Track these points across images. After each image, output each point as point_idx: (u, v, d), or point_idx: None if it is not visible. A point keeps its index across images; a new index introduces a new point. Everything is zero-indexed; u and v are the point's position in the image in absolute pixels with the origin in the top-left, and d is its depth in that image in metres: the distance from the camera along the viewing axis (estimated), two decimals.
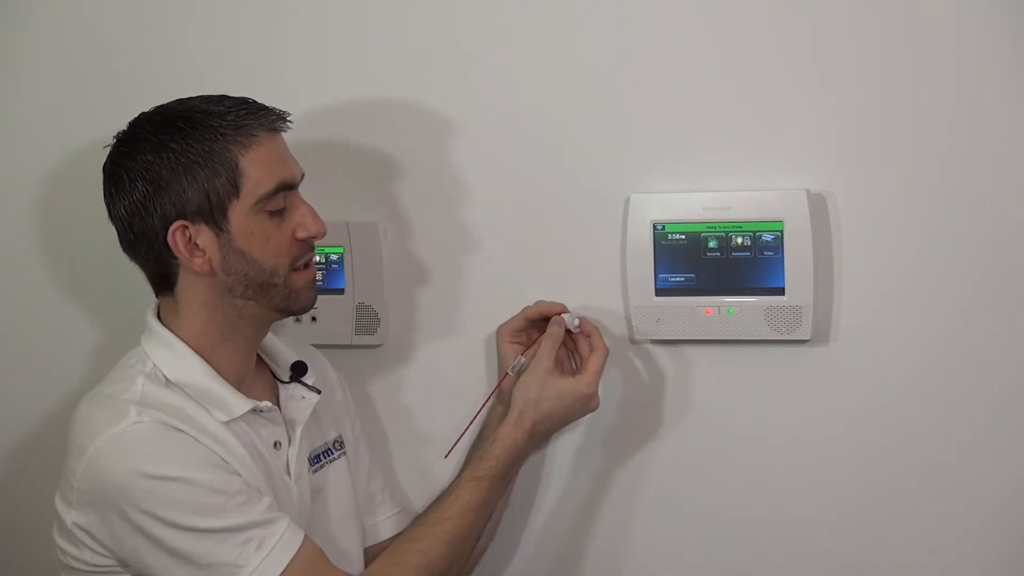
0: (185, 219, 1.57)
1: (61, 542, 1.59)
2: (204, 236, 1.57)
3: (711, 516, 1.83)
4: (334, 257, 1.91)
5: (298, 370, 1.73)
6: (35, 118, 2.07)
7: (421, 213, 1.91)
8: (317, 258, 1.88)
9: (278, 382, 1.73)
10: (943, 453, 1.73)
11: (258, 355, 1.72)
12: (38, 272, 2.08)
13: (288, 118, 1.62)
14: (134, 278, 1.66)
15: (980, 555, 1.73)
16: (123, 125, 1.62)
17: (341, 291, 1.92)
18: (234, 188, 1.56)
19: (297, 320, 1.91)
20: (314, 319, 1.91)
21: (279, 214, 1.60)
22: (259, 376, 1.71)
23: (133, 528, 1.51)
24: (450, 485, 1.71)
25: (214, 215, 1.57)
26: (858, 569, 1.78)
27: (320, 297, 1.89)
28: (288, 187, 1.60)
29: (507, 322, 1.80)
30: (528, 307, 1.80)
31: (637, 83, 1.79)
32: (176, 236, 1.57)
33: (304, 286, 1.64)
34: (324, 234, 1.64)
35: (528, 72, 1.84)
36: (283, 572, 1.52)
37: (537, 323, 1.79)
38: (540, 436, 1.72)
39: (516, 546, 1.91)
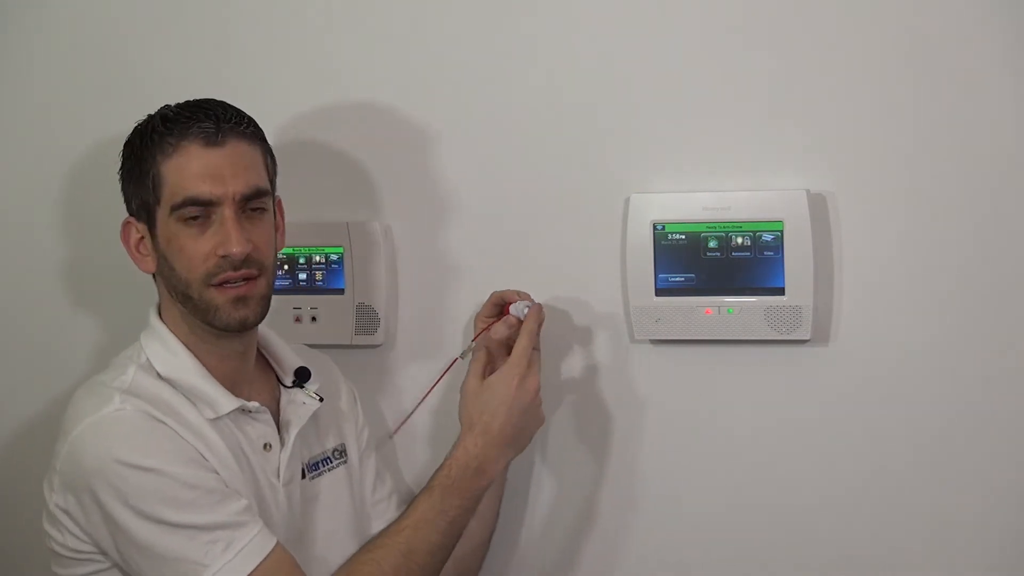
0: (132, 216, 1.62)
1: (47, 527, 1.61)
2: (146, 236, 1.62)
3: (711, 515, 1.83)
4: (334, 257, 1.91)
5: (301, 376, 1.73)
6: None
7: (421, 213, 1.90)
8: (318, 258, 1.89)
9: (281, 386, 1.73)
10: (943, 452, 1.73)
11: (265, 358, 1.73)
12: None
13: (229, 133, 1.58)
14: (142, 275, 1.67)
15: (979, 551, 1.73)
16: (132, 123, 1.64)
17: (341, 291, 1.92)
18: (155, 194, 1.59)
19: (297, 320, 1.91)
20: (314, 319, 1.92)
21: (199, 226, 1.58)
22: (260, 378, 1.71)
23: (105, 514, 1.52)
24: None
25: (147, 217, 1.61)
26: (858, 565, 1.78)
27: (320, 297, 1.90)
28: (199, 203, 1.57)
29: (480, 310, 1.81)
30: (494, 292, 1.79)
31: (637, 83, 1.80)
32: (126, 231, 1.63)
33: (224, 304, 1.59)
34: (242, 254, 1.58)
35: (528, 73, 1.84)
36: None
37: (502, 308, 1.79)
38: (500, 439, 1.67)
39: (514, 545, 1.91)
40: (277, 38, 1.95)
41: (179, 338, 1.62)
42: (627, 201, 1.79)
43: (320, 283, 1.91)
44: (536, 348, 1.74)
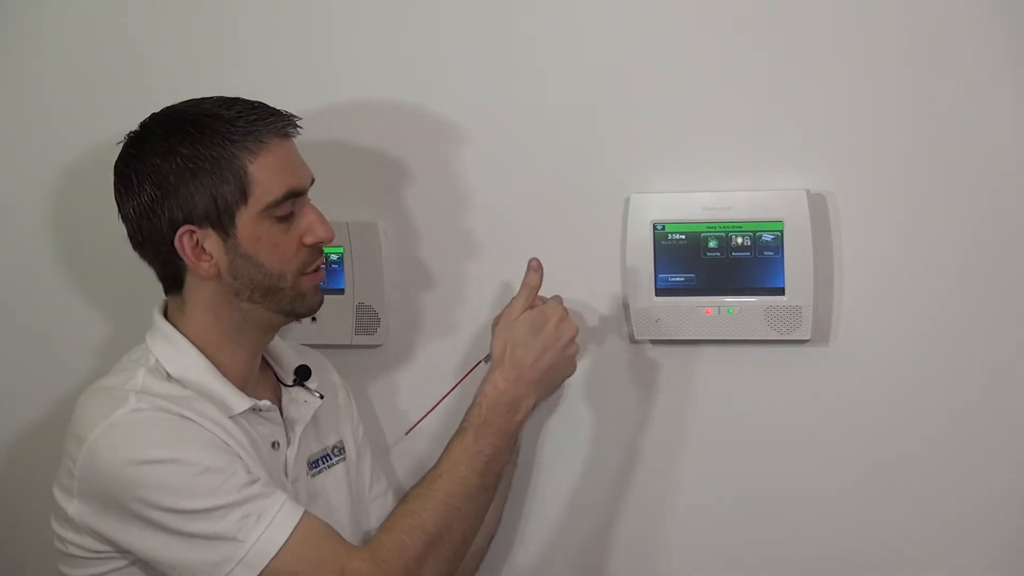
0: (192, 224, 1.57)
1: (60, 530, 1.59)
2: (211, 241, 1.58)
3: (711, 515, 1.83)
4: (334, 257, 1.91)
5: (301, 374, 1.73)
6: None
7: (421, 213, 1.91)
8: None
9: (282, 385, 1.73)
10: (943, 451, 1.73)
11: (263, 358, 1.72)
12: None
13: (298, 123, 1.62)
14: (146, 274, 1.67)
15: (980, 551, 1.74)
16: (134, 122, 1.63)
17: (341, 291, 1.92)
18: (242, 195, 1.57)
19: (297, 320, 1.91)
20: (314, 319, 1.90)
21: (286, 219, 1.60)
22: (263, 378, 1.71)
23: (132, 515, 1.51)
24: None
25: (221, 220, 1.57)
26: (859, 564, 1.78)
27: None
28: (297, 194, 1.61)
29: (499, 314, 1.79)
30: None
31: (637, 83, 1.79)
32: (183, 240, 1.57)
33: (311, 289, 1.64)
34: (332, 239, 1.63)
35: (528, 73, 1.84)
36: (284, 544, 1.50)
37: None
38: (531, 376, 1.65)
39: (511, 544, 1.91)
40: (277, 37, 1.94)
41: (189, 338, 1.62)
42: (627, 201, 1.79)
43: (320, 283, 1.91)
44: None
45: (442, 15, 1.87)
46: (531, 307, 1.70)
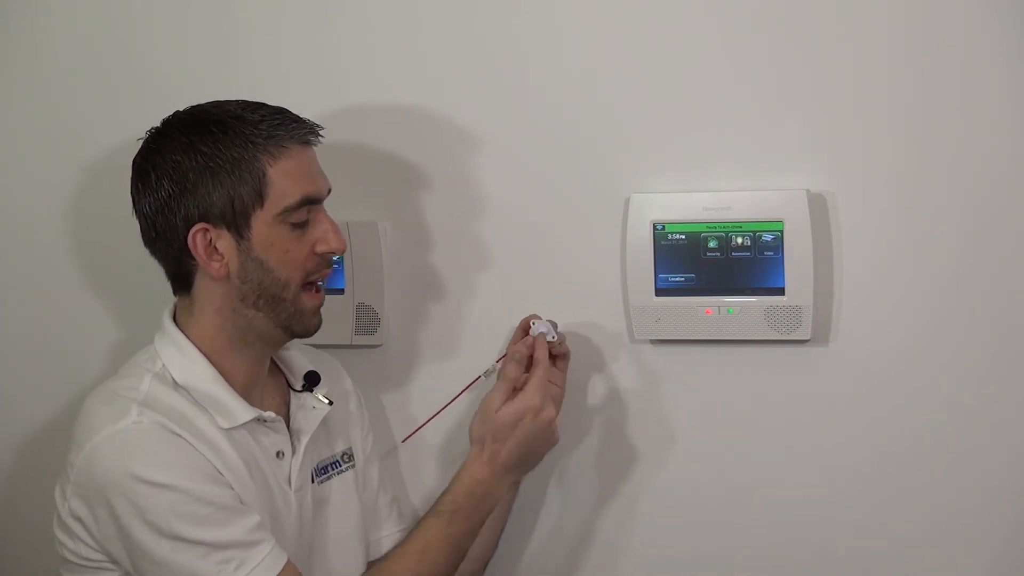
0: (207, 222, 1.57)
1: (58, 534, 1.60)
2: (224, 241, 1.58)
3: (711, 516, 1.83)
4: (334, 257, 1.91)
5: (311, 380, 1.73)
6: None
7: (421, 213, 1.91)
8: None
9: (291, 390, 1.73)
10: (943, 451, 1.73)
11: (274, 362, 1.72)
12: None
13: (320, 131, 1.63)
14: (157, 276, 1.67)
15: (979, 549, 1.73)
16: (151, 122, 1.63)
17: (341, 291, 1.92)
18: (259, 197, 1.57)
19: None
20: None
21: (301, 227, 1.60)
22: (271, 383, 1.71)
23: (119, 528, 1.52)
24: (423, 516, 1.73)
25: (236, 221, 1.57)
26: (859, 566, 1.78)
27: None
28: (313, 201, 1.61)
29: (513, 337, 1.81)
30: (524, 318, 1.80)
31: (637, 83, 1.80)
32: (196, 238, 1.58)
33: (310, 309, 1.64)
34: (343, 251, 1.64)
35: (528, 73, 1.84)
36: None
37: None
38: (506, 467, 1.68)
39: (516, 546, 1.91)
40: (278, 39, 1.95)
41: (196, 344, 1.62)
42: (627, 201, 1.79)
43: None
44: (555, 382, 1.74)
45: (441, 17, 1.87)
46: (512, 394, 1.69)
